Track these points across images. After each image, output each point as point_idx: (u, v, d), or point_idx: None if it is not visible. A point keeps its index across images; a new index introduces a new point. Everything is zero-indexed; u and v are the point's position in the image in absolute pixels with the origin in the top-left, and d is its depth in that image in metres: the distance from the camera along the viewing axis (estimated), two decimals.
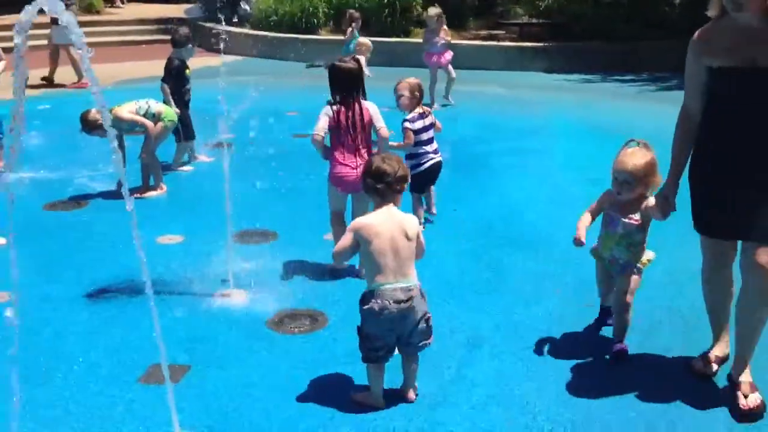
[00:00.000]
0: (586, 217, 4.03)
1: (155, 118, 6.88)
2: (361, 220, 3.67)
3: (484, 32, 15.63)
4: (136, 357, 4.01)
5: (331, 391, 3.74)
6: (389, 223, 3.54)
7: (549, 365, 4.00)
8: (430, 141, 5.87)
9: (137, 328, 4.29)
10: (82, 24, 14.45)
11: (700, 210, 3.62)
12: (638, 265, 3.99)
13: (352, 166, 4.90)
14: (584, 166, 7.70)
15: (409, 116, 5.80)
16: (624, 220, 3.90)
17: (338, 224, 5.03)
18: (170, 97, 7.40)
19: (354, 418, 3.50)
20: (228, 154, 7.22)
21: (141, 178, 6.96)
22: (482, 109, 10.82)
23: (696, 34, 3.47)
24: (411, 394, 3.67)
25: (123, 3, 21.92)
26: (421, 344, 3.58)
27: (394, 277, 3.46)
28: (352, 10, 13.11)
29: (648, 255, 4.05)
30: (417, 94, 5.85)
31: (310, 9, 15.25)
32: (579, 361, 4.03)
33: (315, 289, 4.92)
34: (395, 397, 3.65)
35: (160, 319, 4.36)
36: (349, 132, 4.93)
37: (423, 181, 5.86)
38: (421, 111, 5.86)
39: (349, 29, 12.59)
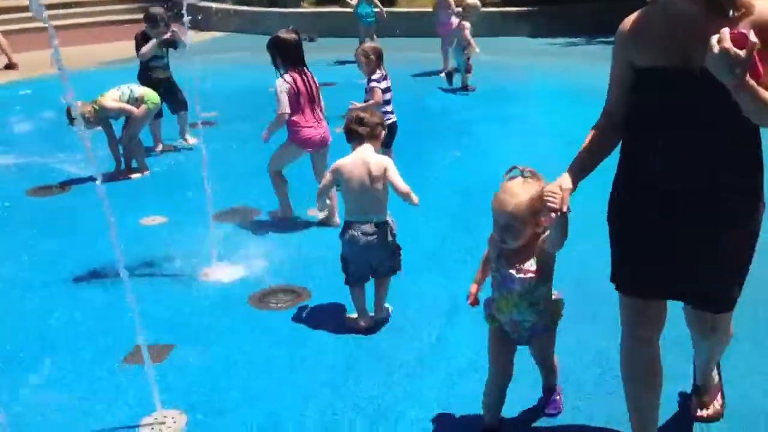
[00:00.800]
0: (480, 271, 3.21)
1: (138, 101, 6.88)
2: (339, 162, 4.13)
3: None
4: (120, 338, 4.04)
5: (311, 366, 3.80)
6: (360, 164, 4.04)
7: None
8: (389, 102, 6.17)
9: (120, 310, 4.31)
10: (65, 5, 14.43)
11: (621, 257, 2.72)
12: (553, 323, 3.08)
13: (315, 128, 5.43)
14: (565, 130, 7.66)
15: (375, 76, 6.07)
16: (518, 275, 2.90)
17: (281, 178, 5.65)
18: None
19: (334, 391, 3.56)
20: (208, 133, 7.23)
21: (124, 161, 6.99)
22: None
23: (623, 22, 2.62)
24: (381, 313, 4.16)
25: None
26: (388, 272, 4.12)
27: (364, 212, 4.02)
28: None
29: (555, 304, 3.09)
30: (372, 57, 6.08)
31: None
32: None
33: (297, 265, 4.97)
34: (375, 371, 3.71)
35: (144, 300, 4.46)
36: (308, 97, 5.38)
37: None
38: (384, 73, 6.11)
39: None
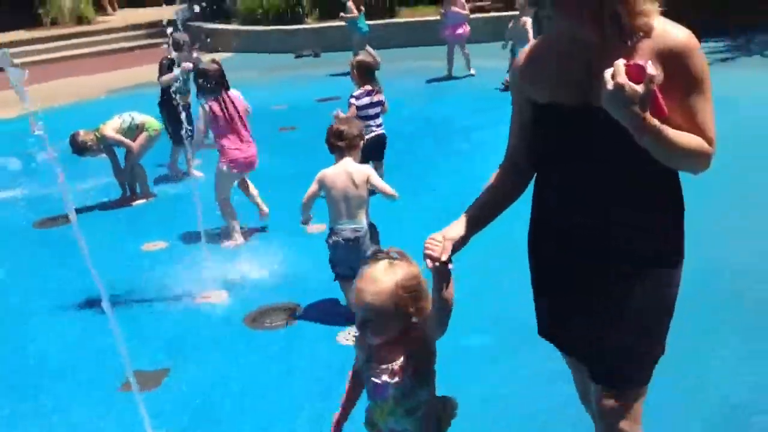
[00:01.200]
0: (346, 393, 2.56)
1: (138, 129, 7.01)
2: (323, 172, 4.38)
3: (469, 4, 15.54)
4: (117, 364, 4.12)
5: (304, 379, 3.87)
6: (343, 175, 4.31)
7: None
8: (375, 116, 6.36)
9: (119, 336, 4.44)
10: (73, 35, 14.66)
11: (534, 299, 2.47)
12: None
13: (242, 150, 5.66)
14: None
15: (356, 93, 6.37)
16: (391, 380, 2.30)
17: (229, 205, 5.79)
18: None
19: (325, 402, 3.61)
20: (209, 155, 7.35)
21: (128, 188, 7.15)
22: (474, 83, 10.86)
23: (517, 58, 2.31)
24: None
25: (114, 10, 22.05)
26: None
27: (346, 218, 4.30)
28: None
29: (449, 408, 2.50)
30: (356, 71, 6.42)
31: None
32: None
33: (291, 283, 5.05)
34: None
35: (143, 325, 4.62)
36: (230, 121, 5.63)
37: (366, 151, 6.02)
38: (369, 89, 6.35)
39: (350, 5, 12.12)
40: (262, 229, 6.07)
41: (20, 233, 6.43)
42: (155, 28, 17.44)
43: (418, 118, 9.05)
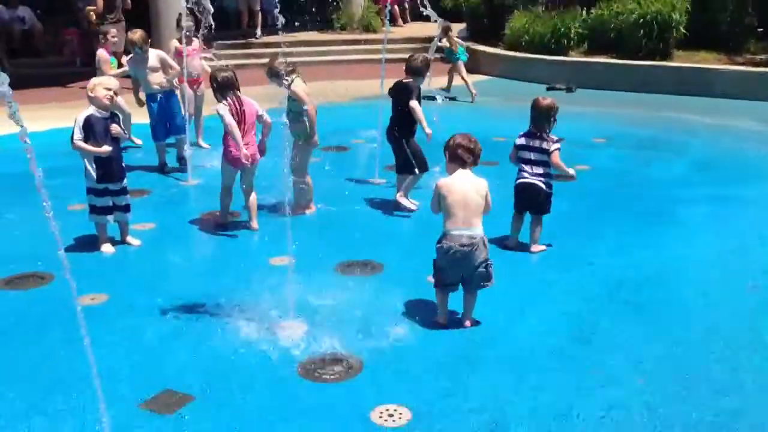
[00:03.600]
0: None
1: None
2: (442, 179, 4.67)
3: (762, 57, 13.65)
4: (150, 380, 4.08)
5: None
6: (463, 182, 4.58)
7: None
8: (531, 162, 5.87)
9: (174, 350, 4.41)
10: (356, 42, 15.80)
11: None
12: None
13: (244, 153, 6.13)
14: None
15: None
16: None
17: (228, 195, 6.49)
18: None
19: None
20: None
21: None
22: (710, 145, 9.49)
23: None
24: (467, 323, 4.67)
25: (404, 23, 22.91)
26: (480, 284, 4.60)
27: (462, 224, 4.50)
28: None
29: None
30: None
31: (561, 29, 14.57)
32: None
33: (361, 329, 4.64)
34: None
35: (199, 343, 4.50)
36: (236, 121, 6.15)
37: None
38: (533, 131, 5.88)
39: (444, 39, 12.61)
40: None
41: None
42: (427, 43, 17.80)
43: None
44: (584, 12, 15.36)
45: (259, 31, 17.45)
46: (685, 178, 7.96)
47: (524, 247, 5.89)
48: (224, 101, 6.17)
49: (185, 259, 5.90)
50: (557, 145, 5.77)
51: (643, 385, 4.04)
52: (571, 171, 5.89)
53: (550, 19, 14.97)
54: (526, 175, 5.84)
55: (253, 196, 6.43)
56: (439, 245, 4.58)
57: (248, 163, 6.25)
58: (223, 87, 6.20)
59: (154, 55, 8.12)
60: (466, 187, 4.55)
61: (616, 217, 6.72)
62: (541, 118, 5.80)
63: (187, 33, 8.70)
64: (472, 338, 4.57)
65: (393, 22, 22.23)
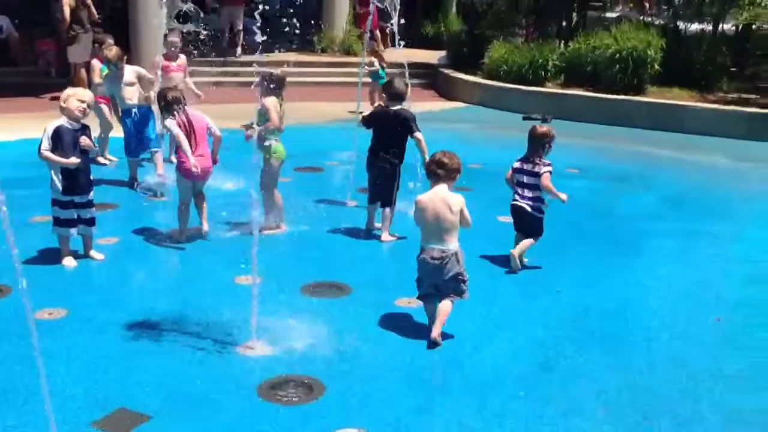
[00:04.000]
0: None
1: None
2: (420, 195, 4.90)
3: (734, 96, 13.89)
4: (106, 398, 3.98)
5: None
6: (436, 199, 4.76)
7: None
8: (523, 185, 6.15)
9: (132, 368, 4.31)
10: (336, 64, 15.96)
11: None
12: None
13: (193, 162, 6.19)
14: (758, 262, 6.42)
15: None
16: None
17: (186, 212, 6.47)
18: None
19: None
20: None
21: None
22: (680, 180, 9.59)
23: None
24: (434, 333, 4.70)
25: (385, 47, 23.04)
26: (451, 295, 4.78)
27: (433, 238, 4.73)
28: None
29: None
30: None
31: (539, 61, 14.73)
32: None
33: (325, 351, 4.60)
34: None
35: (158, 361, 4.42)
36: (187, 135, 6.28)
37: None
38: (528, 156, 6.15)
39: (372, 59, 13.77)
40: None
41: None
42: (411, 69, 17.88)
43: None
44: (562, 45, 15.58)
45: (239, 50, 17.44)
46: (654, 212, 8.01)
47: (500, 271, 5.99)
48: (171, 116, 6.31)
49: (148, 275, 5.81)
50: (548, 168, 6.03)
51: (604, 415, 4.03)
52: (563, 195, 6.05)
53: (529, 51, 15.13)
54: (516, 197, 6.16)
55: (203, 202, 6.49)
56: (417, 257, 4.84)
57: (200, 173, 6.31)
58: (171, 103, 6.34)
59: (129, 71, 8.08)
60: (437, 203, 4.73)
61: (585, 247, 6.74)
62: (536, 144, 6.08)
63: (173, 49, 8.70)
64: (438, 363, 4.54)
65: (376, 45, 22.38)
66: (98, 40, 9.53)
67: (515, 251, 5.98)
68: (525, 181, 6.10)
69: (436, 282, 4.76)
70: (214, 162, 6.50)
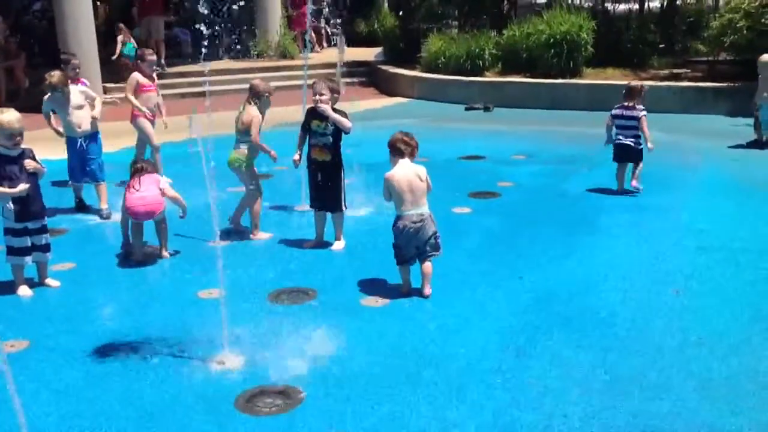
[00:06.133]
0: None
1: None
2: (389, 172, 5.37)
3: (666, 72, 14.27)
4: (79, 428, 3.89)
5: None
6: (406, 170, 5.33)
7: None
8: (623, 127, 8.11)
9: (102, 394, 4.22)
10: (273, 69, 15.61)
11: None
12: None
13: (134, 200, 6.22)
14: (705, 231, 6.63)
15: None
16: None
17: (126, 235, 6.44)
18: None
19: None
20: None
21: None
22: None
23: None
24: (427, 290, 5.36)
25: (320, 49, 22.94)
26: (431, 254, 5.36)
27: (411, 206, 5.27)
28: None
29: None
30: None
31: (476, 51, 14.89)
32: None
33: (303, 360, 4.57)
34: None
35: (130, 385, 4.33)
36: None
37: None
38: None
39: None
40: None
41: None
42: (348, 68, 17.87)
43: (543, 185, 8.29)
44: (496, 34, 15.77)
45: (162, 61, 17.04)
46: (604, 190, 8.20)
47: (464, 261, 5.98)
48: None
49: (109, 297, 5.68)
50: (644, 112, 7.97)
51: (580, 394, 4.11)
52: (648, 134, 7.92)
53: (465, 42, 15.27)
54: (620, 137, 7.98)
55: (165, 231, 6.41)
56: (395, 227, 5.34)
57: (146, 217, 6.29)
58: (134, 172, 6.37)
59: (76, 92, 7.65)
60: (409, 174, 5.30)
61: (541, 231, 6.85)
62: (633, 93, 8.02)
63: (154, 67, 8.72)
64: (411, 359, 4.55)
65: (311, 47, 22.27)
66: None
67: (634, 182, 7.83)
68: (625, 123, 7.94)
69: (417, 244, 5.30)
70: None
